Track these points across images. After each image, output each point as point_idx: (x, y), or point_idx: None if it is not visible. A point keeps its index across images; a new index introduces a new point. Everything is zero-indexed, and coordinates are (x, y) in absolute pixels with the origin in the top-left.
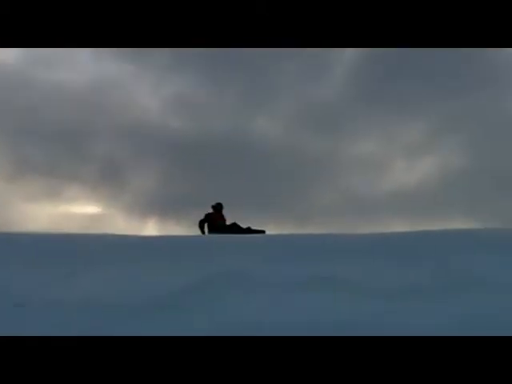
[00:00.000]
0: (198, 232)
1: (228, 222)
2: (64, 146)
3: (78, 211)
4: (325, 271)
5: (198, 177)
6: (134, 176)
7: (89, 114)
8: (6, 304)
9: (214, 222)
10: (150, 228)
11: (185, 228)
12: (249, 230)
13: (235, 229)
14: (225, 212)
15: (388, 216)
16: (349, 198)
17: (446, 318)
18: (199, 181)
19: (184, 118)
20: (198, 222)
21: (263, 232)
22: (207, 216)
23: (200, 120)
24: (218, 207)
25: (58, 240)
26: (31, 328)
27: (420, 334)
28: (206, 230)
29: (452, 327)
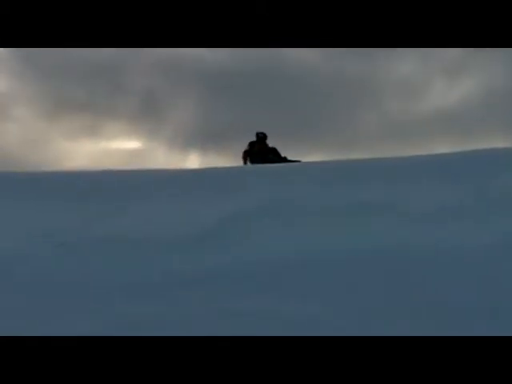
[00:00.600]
0: (239, 163)
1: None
2: (102, 82)
3: (119, 147)
4: (367, 196)
5: (238, 107)
6: (174, 110)
7: (124, 48)
8: (50, 243)
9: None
10: (192, 161)
11: (226, 159)
12: (285, 160)
13: (273, 156)
14: (268, 142)
15: (430, 138)
16: (390, 122)
17: (490, 237)
18: (239, 111)
19: (220, 48)
20: (241, 153)
21: (299, 162)
22: (251, 145)
23: (237, 49)
24: (261, 136)
25: (99, 177)
26: (75, 265)
27: (465, 254)
28: (248, 161)
29: (495, 246)
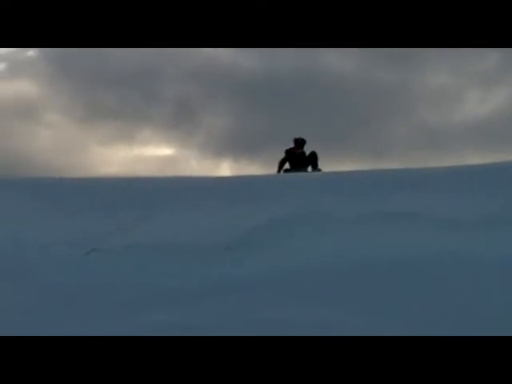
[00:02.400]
0: (271, 171)
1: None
2: (136, 89)
3: (152, 154)
4: (399, 206)
5: (271, 115)
6: (207, 117)
7: (160, 54)
8: (81, 249)
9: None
10: (224, 169)
11: (258, 167)
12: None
13: (310, 159)
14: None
15: (463, 148)
16: (423, 131)
17: None
18: (272, 119)
19: (254, 55)
20: (272, 161)
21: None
22: (288, 152)
23: (271, 57)
24: (300, 141)
25: (132, 184)
26: (106, 272)
27: (496, 264)
28: (284, 167)
29: None
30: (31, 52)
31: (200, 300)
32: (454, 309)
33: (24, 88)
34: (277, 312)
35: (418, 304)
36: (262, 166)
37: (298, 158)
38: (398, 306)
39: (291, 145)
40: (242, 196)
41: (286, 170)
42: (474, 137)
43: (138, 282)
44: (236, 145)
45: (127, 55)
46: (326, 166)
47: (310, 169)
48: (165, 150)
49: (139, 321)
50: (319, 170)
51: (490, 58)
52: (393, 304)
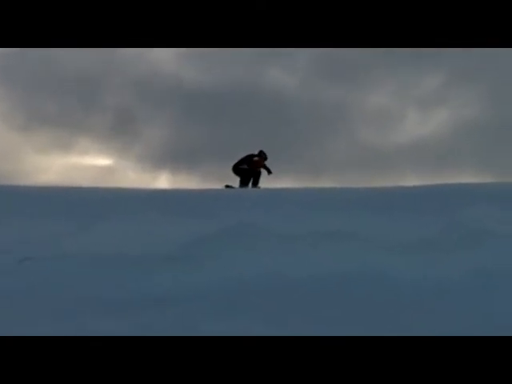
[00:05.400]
0: (209, 185)
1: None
2: (76, 98)
3: (90, 163)
4: (334, 225)
5: (211, 128)
6: (146, 128)
7: (101, 64)
8: (16, 257)
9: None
10: (162, 181)
11: (197, 181)
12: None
13: (253, 176)
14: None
15: (401, 169)
16: (362, 151)
17: (458, 270)
18: (212, 133)
19: (197, 68)
20: (210, 175)
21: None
22: (250, 156)
23: (213, 71)
24: (263, 155)
25: (69, 193)
26: (39, 281)
27: (431, 286)
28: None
29: (464, 280)
30: None
31: (135, 312)
32: (375, 325)
33: None
34: (213, 325)
35: (351, 321)
36: (200, 181)
37: (242, 173)
38: (333, 323)
39: (239, 156)
40: (181, 209)
41: (227, 186)
42: (413, 158)
43: (71, 291)
44: (174, 158)
45: (69, 63)
46: (264, 182)
47: (250, 185)
48: (103, 160)
49: (73, 330)
50: (258, 188)
51: (430, 80)
52: (327, 321)
